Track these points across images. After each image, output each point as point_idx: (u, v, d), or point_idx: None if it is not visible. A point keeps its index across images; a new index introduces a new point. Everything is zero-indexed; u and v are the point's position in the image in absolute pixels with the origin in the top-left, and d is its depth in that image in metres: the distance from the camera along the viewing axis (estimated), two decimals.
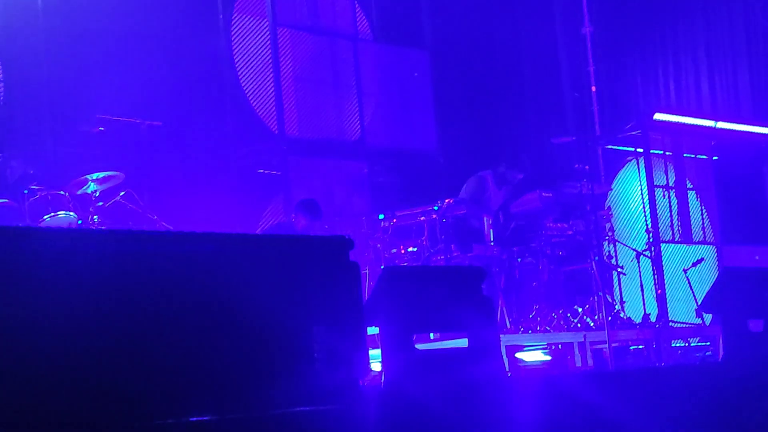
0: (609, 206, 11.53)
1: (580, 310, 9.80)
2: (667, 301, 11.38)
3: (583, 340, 9.10)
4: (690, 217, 12.97)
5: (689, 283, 11.43)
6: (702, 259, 12.11)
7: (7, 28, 9.83)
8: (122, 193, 9.14)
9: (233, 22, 11.78)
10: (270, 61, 11.88)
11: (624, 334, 9.80)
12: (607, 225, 10.49)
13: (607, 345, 8.68)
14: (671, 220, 12.71)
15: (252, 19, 11.94)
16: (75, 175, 8.92)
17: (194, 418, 3.87)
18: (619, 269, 10.66)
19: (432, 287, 5.47)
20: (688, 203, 13.02)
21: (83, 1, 10.21)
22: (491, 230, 9.97)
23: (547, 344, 9.15)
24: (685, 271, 11.75)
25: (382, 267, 8.14)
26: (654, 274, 11.25)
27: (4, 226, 3.85)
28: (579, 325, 9.56)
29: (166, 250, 4.04)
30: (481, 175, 10.57)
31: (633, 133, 12.21)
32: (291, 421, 4.10)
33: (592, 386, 5.75)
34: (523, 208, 10.48)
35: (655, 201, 12.18)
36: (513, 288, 9.89)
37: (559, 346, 9.20)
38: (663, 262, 11.65)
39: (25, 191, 8.48)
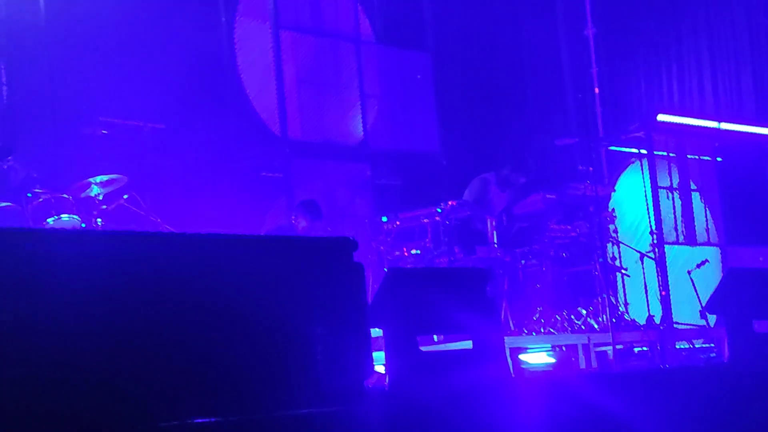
0: (612, 208, 11.50)
1: (584, 312, 9.78)
2: (672, 302, 11.36)
3: (587, 342, 9.08)
4: (694, 218, 12.96)
5: (693, 284, 11.41)
6: (706, 260, 12.08)
7: (9, 31, 9.83)
8: (125, 197, 9.14)
9: (236, 25, 11.78)
10: (273, 63, 11.88)
11: (628, 335, 9.78)
12: (611, 227, 10.47)
13: (611, 347, 8.66)
14: (675, 222, 12.70)
15: (254, 22, 11.94)
16: (78, 179, 8.91)
17: (199, 420, 3.87)
18: (623, 271, 10.64)
19: (436, 289, 5.47)
20: (692, 204, 13.00)
21: (86, 4, 10.20)
22: (495, 232, 9.96)
23: (552, 346, 9.13)
24: (689, 272, 11.72)
25: (386, 269, 8.14)
26: (658, 276, 11.22)
27: (8, 227, 3.84)
28: (583, 327, 9.55)
29: (170, 252, 4.04)
30: (485, 177, 10.56)
31: (636, 134, 12.19)
32: (295, 423, 4.10)
33: (596, 388, 5.73)
34: (527, 210, 10.47)
35: (659, 202, 12.15)
36: (516, 290, 9.88)
37: (563, 348, 9.18)
38: (667, 264, 11.63)
39: (29, 194, 8.48)
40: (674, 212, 12.71)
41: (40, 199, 8.50)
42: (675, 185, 12.75)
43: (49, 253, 3.76)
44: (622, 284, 10.79)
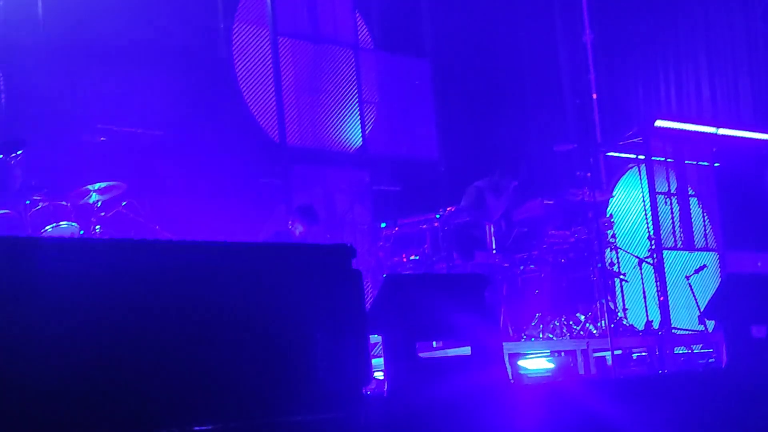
0: (611, 213, 11.52)
1: (582, 317, 9.79)
2: (670, 308, 11.37)
3: (585, 347, 9.09)
4: (692, 223, 12.97)
5: (692, 289, 11.42)
6: (704, 266, 12.10)
7: (8, 38, 9.84)
8: (124, 203, 9.14)
9: (234, 32, 11.79)
10: (271, 70, 11.89)
11: (627, 341, 9.79)
12: (609, 232, 10.48)
13: (609, 352, 8.66)
14: (673, 227, 12.71)
15: (253, 28, 11.94)
16: (77, 186, 8.91)
17: (198, 427, 3.87)
18: (621, 276, 10.65)
19: (435, 295, 5.47)
20: (690, 210, 13.01)
21: (84, 11, 10.21)
22: (493, 238, 9.97)
23: (551, 352, 9.13)
24: (687, 277, 11.74)
25: (384, 275, 8.14)
26: (656, 281, 11.24)
27: (7, 235, 3.84)
28: (582, 332, 9.55)
29: (170, 259, 4.05)
30: (477, 185, 10.55)
31: (634, 140, 12.21)
32: (295, 429, 4.10)
33: (595, 394, 5.74)
34: (525, 216, 10.49)
35: (657, 208, 12.17)
36: (515, 296, 9.88)
37: (562, 353, 9.18)
38: (665, 269, 11.64)
39: (27, 202, 8.47)
40: (672, 218, 12.72)
41: (39, 206, 8.49)
42: (673, 191, 12.76)
43: (49, 261, 3.76)
44: (620, 290, 10.80)
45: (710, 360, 10.11)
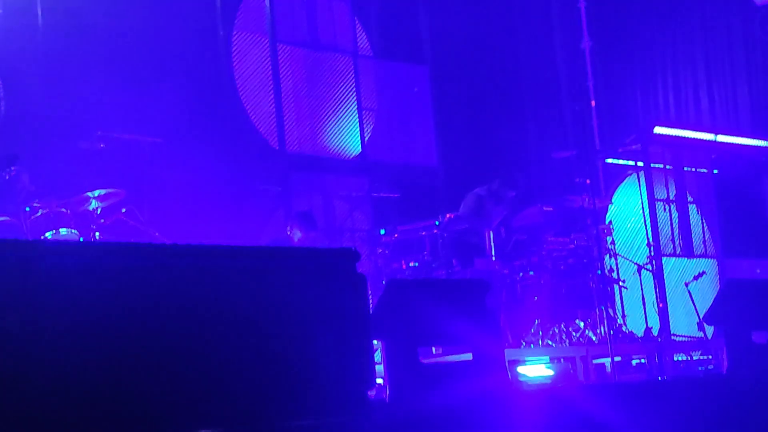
0: (610, 220, 11.53)
1: (581, 324, 9.79)
2: (669, 314, 11.37)
3: (585, 354, 9.09)
4: (691, 230, 12.99)
5: (691, 296, 11.43)
6: (703, 272, 12.11)
7: (7, 44, 9.85)
8: (123, 210, 9.14)
9: (233, 39, 11.81)
10: (270, 77, 11.90)
11: (626, 347, 9.78)
12: (608, 239, 10.48)
13: (609, 359, 8.66)
14: (672, 234, 12.72)
15: (252, 35, 11.96)
16: (76, 193, 8.91)
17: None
18: (620, 283, 10.65)
19: (436, 300, 5.47)
20: (689, 217, 13.03)
21: (83, 18, 10.22)
22: (492, 245, 9.97)
23: (550, 358, 9.13)
24: (686, 284, 11.74)
25: (384, 282, 8.14)
26: (655, 288, 11.25)
27: (8, 239, 3.84)
28: (581, 339, 9.55)
29: (173, 263, 4.05)
30: (476, 192, 10.57)
31: (633, 146, 12.23)
32: None
33: (594, 400, 5.74)
34: (524, 223, 10.49)
35: (656, 214, 12.19)
36: (514, 302, 9.88)
37: (562, 360, 9.18)
38: (664, 276, 11.65)
39: (27, 208, 8.48)
40: (671, 224, 12.73)
41: (39, 213, 8.50)
42: (672, 197, 12.78)
43: (53, 265, 3.77)
44: (619, 296, 10.81)
45: (710, 366, 10.11)
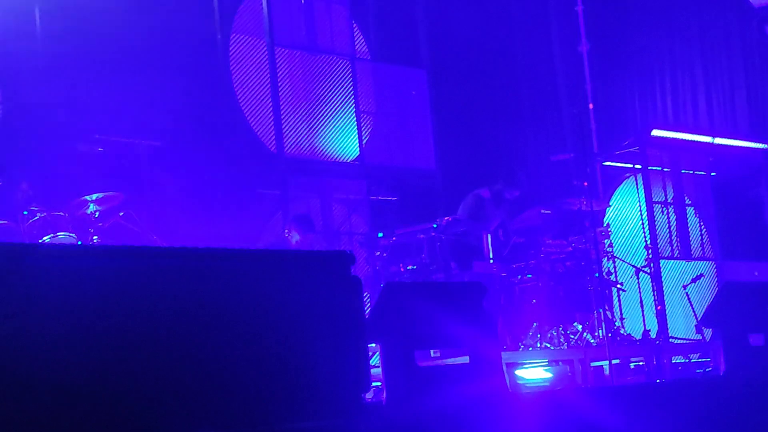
0: (608, 223, 11.54)
1: (580, 327, 9.79)
2: (667, 317, 11.38)
3: (583, 356, 9.09)
4: (689, 233, 12.99)
5: (689, 299, 11.44)
6: (701, 275, 12.12)
7: (5, 48, 9.85)
8: (121, 214, 9.14)
9: (231, 42, 11.81)
10: (268, 80, 11.91)
11: (624, 350, 9.79)
12: (606, 241, 10.49)
13: (607, 362, 8.66)
14: (670, 237, 12.73)
15: (250, 39, 11.96)
16: (74, 196, 8.92)
17: None
18: (618, 286, 10.66)
19: (433, 303, 5.47)
20: (687, 219, 13.04)
21: (82, 21, 10.23)
22: (490, 247, 9.98)
23: (548, 361, 9.13)
24: (684, 287, 11.76)
25: (383, 284, 8.14)
26: (653, 291, 11.26)
27: (6, 243, 3.85)
28: (579, 342, 9.56)
29: (169, 266, 4.05)
30: (478, 193, 10.58)
31: (631, 149, 12.23)
32: None
33: (593, 403, 5.74)
34: (522, 225, 10.50)
35: (654, 217, 12.20)
36: (513, 305, 9.89)
37: (560, 363, 9.18)
38: (662, 279, 11.66)
39: (25, 212, 8.49)
40: (669, 227, 12.74)
41: (36, 217, 8.50)
42: (670, 200, 12.79)
43: (51, 268, 3.77)
44: (617, 299, 10.82)
45: (708, 369, 10.12)
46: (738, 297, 6.87)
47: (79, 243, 8.55)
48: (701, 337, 10.92)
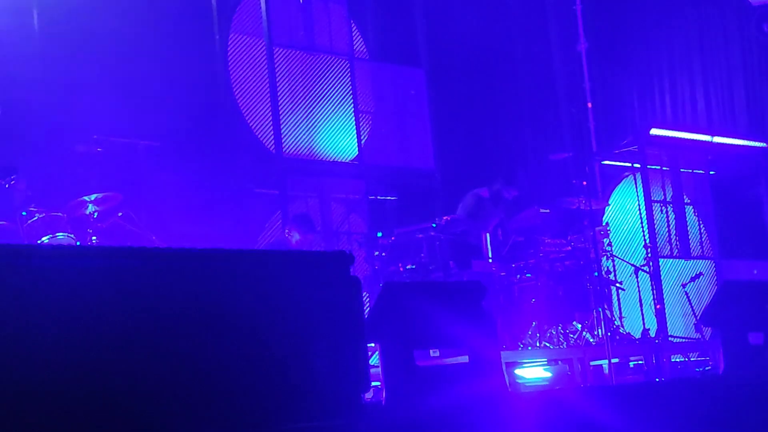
0: (607, 222, 11.54)
1: (579, 326, 9.79)
2: (666, 315, 11.38)
3: (582, 356, 9.09)
4: (688, 231, 13.00)
5: (688, 297, 11.44)
6: (700, 273, 12.12)
7: (3, 49, 9.85)
8: (120, 214, 9.14)
9: (230, 42, 11.81)
10: (267, 80, 11.90)
11: (623, 349, 9.79)
12: (605, 240, 10.49)
13: (606, 361, 8.67)
14: (669, 235, 12.73)
15: (248, 38, 11.96)
16: (73, 197, 8.91)
17: None
18: (617, 284, 10.66)
19: (433, 303, 5.47)
20: (686, 218, 13.04)
21: (79, 21, 10.23)
22: (489, 247, 9.98)
23: (548, 360, 9.13)
24: (683, 285, 11.76)
25: (381, 285, 8.13)
26: (653, 289, 11.26)
27: (5, 244, 3.84)
28: (579, 341, 9.56)
29: (168, 267, 4.05)
30: (477, 192, 10.58)
31: (630, 148, 12.24)
32: None
33: (592, 402, 5.74)
34: (521, 225, 10.50)
35: (653, 216, 12.20)
36: (512, 304, 9.89)
37: (559, 362, 9.19)
38: (661, 277, 11.66)
39: (23, 213, 8.48)
40: (668, 226, 12.75)
41: (35, 218, 8.50)
42: (668, 199, 12.79)
43: (49, 269, 3.77)
44: (617, 298, 10.82)
45: (707, 367, 10.12)
46: (737, 296, 6.87)
47: (78, 243, 8.55)
48: (700, 336, 10.92)
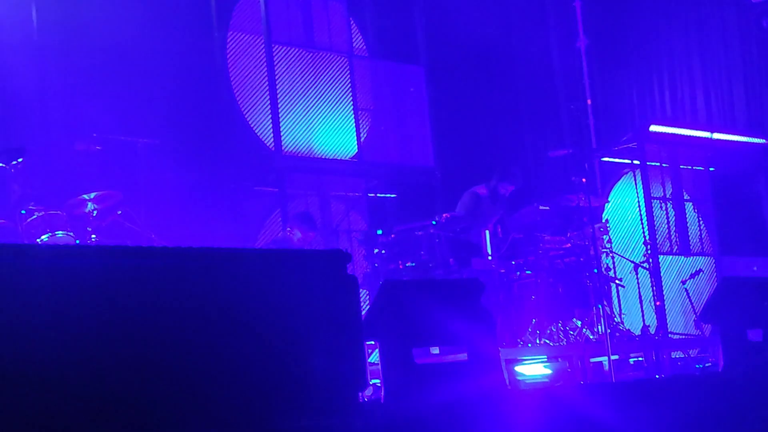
0: (606, 219, 11.54)
1: (579, 323, 9.79)
2: (666, 312, 11.38)
3: (582, 353, 9.09)
4: (687, 228, 12.98)
5: (687, 294, 11.43)
6: (700, 270, 12.12)
7: (2, 47, 9.85)
8: (120, 212, 9.14)
9: (229, 40, 11.80)
10: (266, 78, 11.90)
11: (623, 346, 9.79)
12: (605, 237, 10.49)
13: (606, 357, 8.67)
14: (669, 232, 12.72)
15: (247, 36, 11.95)
16: (72, 195, 8.91)
17: None
18: (617, 281, 10.66)
19: (431, 300, 5.47)
20: (686, 215, 13.03)
21: (79, 19, 10.23)
22: (489, 244, 9.97)
23: (548, 357, 9.13)
24: (683, 282, 11.75)
25: (381, 281, 8.13)
26: (652, 286, 11.25)
27: (4, 243, 3.84)
28: (578, 338, 9.56)
29: (166, 266, 4.05)
30: (475, 190, 10.58)
31: (629, 145, 12.22)
32: None
33: (592, 399, 5.74)
34: (521, 222, 10.50)
35: (653, 213, 12.19)
36: (512, 301, 9.89)
37: (559, 359, 9.19)
38: (661, 274, 11.66)
39: (23, 211, 8.47)
40: (668, 222, 12.73)
41: (34, 216, 8.49)
42: (668, 195, 12.78)
43: (49, 268, 3.77)
44: (616, 295, 10.82)
45: (707, 364, 10.13)
46: (736, 292, 6.87)
47: (77, 242, 8.55)
48: (700, 333, 10.91)
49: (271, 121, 11.84)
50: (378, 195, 12.52)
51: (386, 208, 12.73)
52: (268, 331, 4.23)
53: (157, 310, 3.97)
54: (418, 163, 13.21)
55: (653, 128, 12.63)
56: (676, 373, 9.82)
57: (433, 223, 9.68)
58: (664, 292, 11.49)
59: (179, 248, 4.25)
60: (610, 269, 10.54)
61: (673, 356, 10.52)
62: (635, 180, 11.88)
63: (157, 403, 3.86)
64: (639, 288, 10.98)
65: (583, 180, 9.78)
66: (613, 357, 8.65)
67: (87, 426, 3.68)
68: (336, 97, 12.60)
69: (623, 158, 12.63)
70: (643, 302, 10.79)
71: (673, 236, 12.69)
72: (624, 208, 12.83)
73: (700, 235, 13.15)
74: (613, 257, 10.66)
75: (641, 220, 11.41)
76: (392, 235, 9.98)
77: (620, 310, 10.85)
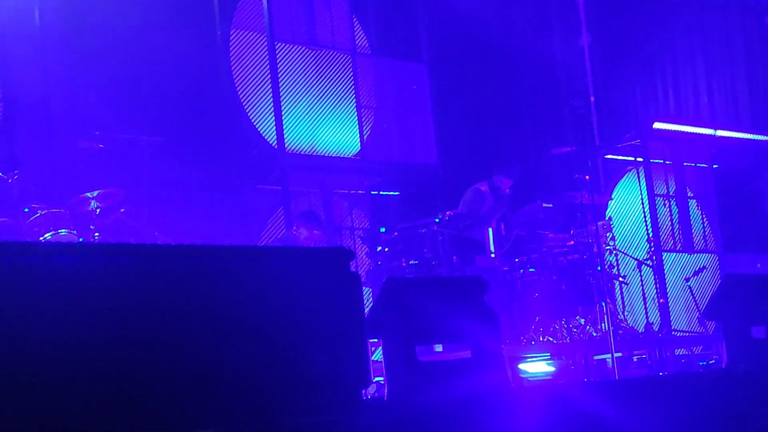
0: (610, 216, 11.53)
1: (582, 320, 9.78)
2: (670, 310, 11.37)
3: (585, 350, 9.08)
4: (691, 225, 12.97)
5: (691, 291, 11.42)
6: (703, 267, 12.10)
7: (4, 45, 9.85)
8: (122, 210, 9.14)
9: (232, 38, 11.80)
10: (269, 75, 11.90)
11: (627, 343, 9.78)
12: (608, 235, 10.48)
13: (610, 355, 8.66)
14: (672, 229, 12.70)
15: (250, 34, 11.95)
16: (75, 193, 8.91)
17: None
18: (621, 279, 10.65)
19: (434, 298, 5.46)
20: (689, 212, 13.01)
21: (81, 17, 10.23)
22: (492, 242, 9.96)
23: (551, 355, 9.13)
24: (686, 279, 11.74)
25: (384, 280, 8.13)
26: (656, 284, 11.24)
27: (7, 241, 3.84)
28: (582, 335, 9.55)
29: (169, 263, 4.05)
30: (477, 187, 10.57)
31: (632, 142, 12.21)
32: None
33: (595, 396, 5.74)
34: (524, 219, 10.49)
35: (656, 210, 12.18)
36: (515, 299, 9.88)
37: (562, 357, 9.18)
38: (665, 272, 11.65)
39: (26, 209, 8.48)
40: (671, 220, 12.72)
41: (37, 214, 8.49)
42: (672, 193, 12.76)
43: (52, 266, 3.77)
44: (620, 292, 10.80)
45: (710, 361, 10.12)
46: (740, 290, 6.86)
47: (80, 240, 8.55)
48: (703, 330, 10.90)
49: (274, 118, 11.84)
50: (381, 193, 12.51)
51: (389, 205, 12.72)
52: (271, 328, 4.23)
53: (160, 308, 3.97)
54: (421, 161, 13.20)
55: (656, 125, 12.62)
56: (679, 370, 9.81)
57: (436, 220, 9.68)
58: (667, 290, 11.48)
59: (182, 246, 4.25)
60: (613, 266, 10.52)
61: (676, 353, 10.51)
62: (638, 177, 11.87)
63: (161, 400, 3.86)
64: (642, 285, 10.97)
65: (587, 177, 9.77)
66: (616, 354, 8.64)
67: (90, 424, 3.68)
68: (339, 94, 12.60)
69: (626, 155, 12.61)
70: (647, 299, 10.78)
71: (676, 233, 12.67)
72: (627, 206, 12.82)
73: (704, 232, 13.13)
74: (616, 254, 10.65)
75: (644, 217, 11.40)
76: (395, 233, 9.98)
77: (624, 307, 10.84)
